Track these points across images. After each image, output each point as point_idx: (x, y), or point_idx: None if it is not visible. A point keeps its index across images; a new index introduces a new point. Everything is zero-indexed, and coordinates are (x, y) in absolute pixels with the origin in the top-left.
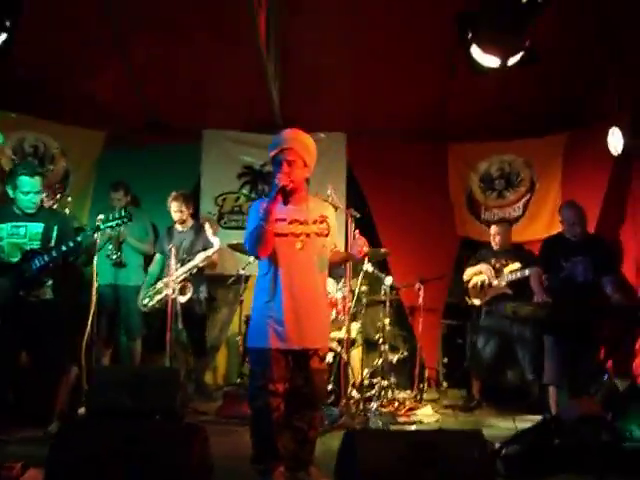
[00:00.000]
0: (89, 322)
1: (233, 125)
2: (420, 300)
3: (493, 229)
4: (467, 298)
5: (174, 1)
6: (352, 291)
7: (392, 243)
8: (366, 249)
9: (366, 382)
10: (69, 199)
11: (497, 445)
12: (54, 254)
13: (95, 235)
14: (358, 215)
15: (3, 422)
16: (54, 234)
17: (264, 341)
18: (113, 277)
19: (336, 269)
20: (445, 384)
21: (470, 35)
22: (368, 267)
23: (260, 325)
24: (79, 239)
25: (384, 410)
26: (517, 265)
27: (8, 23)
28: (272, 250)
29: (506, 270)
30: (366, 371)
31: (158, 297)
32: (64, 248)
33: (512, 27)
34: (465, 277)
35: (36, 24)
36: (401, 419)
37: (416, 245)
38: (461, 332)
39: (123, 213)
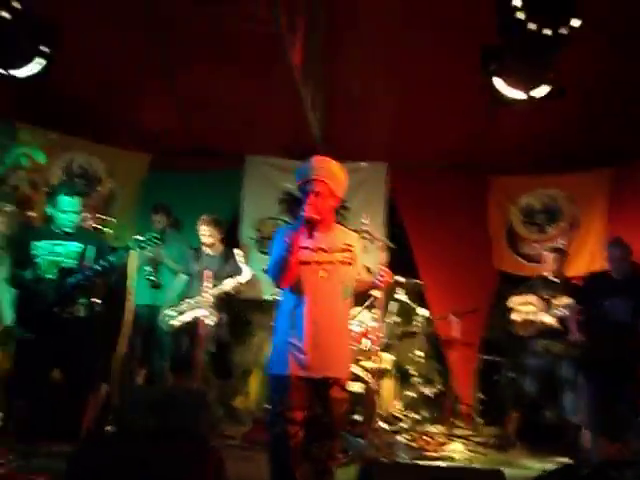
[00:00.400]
0: (123, 341)
1: (275, 152)
2: (454, 333)
3: (549, 257)
4: (511, 329)
5: (220, 33)
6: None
7: (430, 274)
8: (389, 279)
9: (397, 414)
10: (113, 220)
11: None
12: (88, 273)
13: (126, 256)
14: (392, 245)
15: (34, 436)
16: (90, 254)
17: (284, 368)
18: (150, 298)
19: (364, 298)
20: (480, 421)
21: (493, 67)
22: (402, 298)
23: (281, 352)
24: (112, 259)
25: (413, 444)
26: (567, 300)
27: (47, 50)
28: (296, 278)
29: (556, 302)
30: (399, 404)
31: (182, 318)
32: (98, 267)
33: (537, 60)
34: (511, 304)
35: (88, 51)
36: (429, 454)
37: (453, 277)
38: (498, 368)
39: (155, 235)
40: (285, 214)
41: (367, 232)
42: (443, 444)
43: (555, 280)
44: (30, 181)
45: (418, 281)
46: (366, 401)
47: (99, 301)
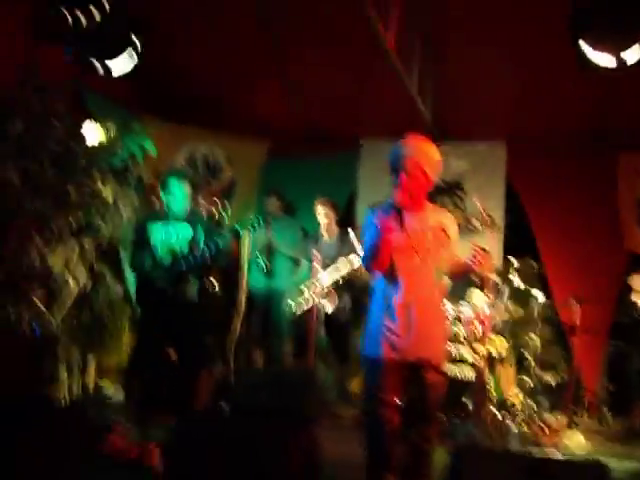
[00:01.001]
0: (238, 324)
1: (390, 135)
2: (576, 319)
3: None
4: (632, 311)
5: (329, 17)
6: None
7: (551, 257)
8: (484, 260)
9: (514, 401)
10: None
11: None
12: (198, 256)
13: (232, 238)
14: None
15: (151, 411)
16: (201, 237)
17: (378, 351)
18: (266, 282)
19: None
20: (607, 412)
21: (581, 31)
22: (515, 281)
23: (375, 334)
24: (219, 242)
25: (528, 433)
26: None
27: (138, 42)
28: (389, 263)
29: None
30: (517, 391)
31: (304, 305)
32: (207, 251)
33: (627, 23)
34: (631, 284)
35: (203, 41)
36: (544, 443)
37: (578, 260)
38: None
39: (260, 217)
40: None
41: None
42: (561, 434)
43: None
44: (154, 170)
45: (533, 263)
46: (477, 386)
47: (215, 283)
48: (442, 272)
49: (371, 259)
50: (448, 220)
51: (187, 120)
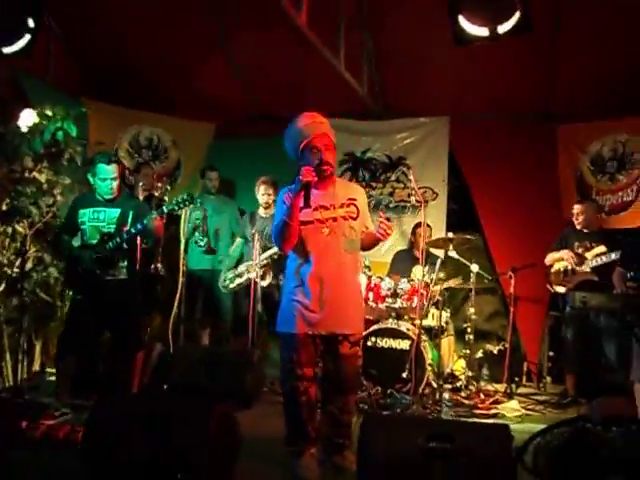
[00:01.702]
0: (175, 303)
1: (333, 113)
2: (511, 289)
3: (576, 208)
4: (549, 286)
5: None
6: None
7: (494, 229)
8: (389, 230)
9: (456, 372)
10: (167, 188)
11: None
12: (125, 236)
13: (156, 218)
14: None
15: (84, 392)
16: (129, 218)
17: (292, 326)
18: (210, 262)
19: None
20: (549, 379)
21: (458, 4)
22: (452, 254)
23: (288, 310)
24: (145, 222)
25: (466, 402)
26: (602, 248)
27: (32, 24)
28: (299, 239)
29: (590, 254)
30: (460, 361)
31: (239, 280)
32: (133, 230)
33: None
34: (547, 262)
35: (149, 28)
36: (479, 412)
37: (520, 231)
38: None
39: (186, 197)
40: (346, 175)
41: (412, 189)
42: (499, 402)
43: (585, 231)
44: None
45: (470, 235)
46: (413, 358)
47: (159, 264)
48: (354, 244)
49: (279, 236)
50: (357, 193)
51: (134, 104)
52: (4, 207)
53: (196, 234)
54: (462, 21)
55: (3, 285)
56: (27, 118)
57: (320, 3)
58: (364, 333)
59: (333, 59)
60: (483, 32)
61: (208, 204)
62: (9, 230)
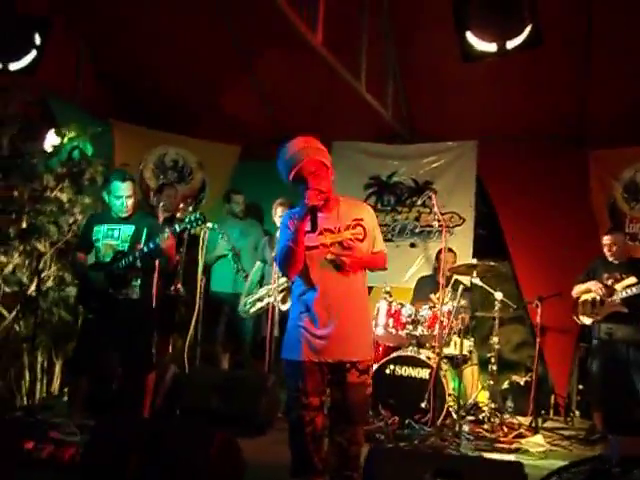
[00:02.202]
0: (192, 325)
1: (360, 137)
2: (538, 319)
3: (607, 239)
4: (575, 317)
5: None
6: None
7: (522, 256)
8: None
9: (480, 403)
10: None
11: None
12: (137, 254)
13: (168, 237)
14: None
15: (100, 413)
16: (143, 236)
17: (297, 353)
18: (232, 286)
19: None
20: (577, 413)
21: (465, 20)
22: (476, 281)
23: (294, 336)
24: (157, 240)
25: (488, 435)
26: (633, 280)
27: (38, 41)
28: (304, 264)
29: (619, 286)
30: (483, 392)
31: (259, 304)
32: (145, 249)
33: (508, 9)
34: (574, 294)
35: (176, 51)
36: (501, 446)
37: (549, 259)
38: None
39: (198, 216)
40: (371, 199)
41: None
42: (522, 436)
43: (615, 262)
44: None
45: (492, 263)
46: (432, 388)
47: (180, 286)
48: (362, 267)
49: (284, 262)
50: (363, 212)
51: (161, 126)
52: (24, 225)
53: (233, 265)
54: (470, 37)
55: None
56: (52, 138)
57: (341, 24)
58: (382, 361)
59: (353, 81)
60: (491, 48)
61: (234, 228)
62: (28, 248)
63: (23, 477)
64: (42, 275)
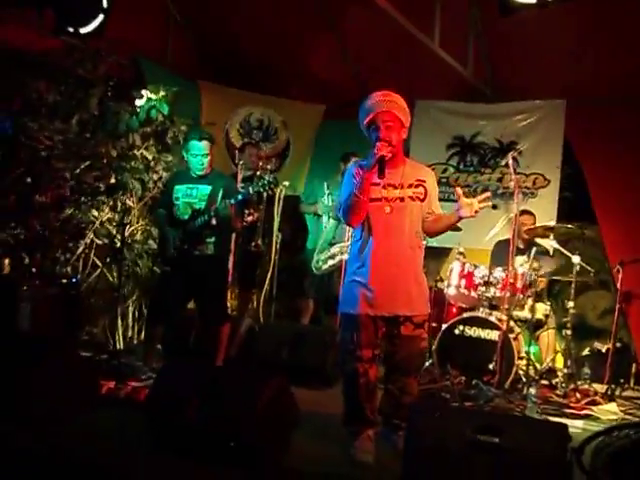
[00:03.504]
0: (267, 281)
1: (443, 96)
2: (618, 284)
3: None
4: None
5: None
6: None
7: (610, 220)
8: (478, 206)
9: (557, 368)
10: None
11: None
12: (212, 213)
13: (230, 205)
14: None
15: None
16: (219, 195)
17: (353, 307)
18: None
19: None
20: None
21: None
22: (553, 244)
23: (350, 290)
24: (232, 200)
25: (558, 400)
26: None
27: (105, 4)
28: (365, 216)
29: None
30: (560, 357)
31: (331, 262)
32: (219, 209)
33: None
34: None
35: (260, 13)
36: (570, 411)
37: (638, 224)
38: None
39: (269, 180)
40: (453, 159)
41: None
42: (596, 403)
43: None
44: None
45: (569, 225)
46: (500, 350)
47: (260, 243)
48: (418, 226)
49: (348, 210)
50: (427, 175)
51: (247, 87)
52: (112, 181)
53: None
54: None
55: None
56: (141, 99)
57: None
58: (452, 321)
59: (425, 38)
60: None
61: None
62: (118, 204)
63: (103, 414)
64: (130, 229)
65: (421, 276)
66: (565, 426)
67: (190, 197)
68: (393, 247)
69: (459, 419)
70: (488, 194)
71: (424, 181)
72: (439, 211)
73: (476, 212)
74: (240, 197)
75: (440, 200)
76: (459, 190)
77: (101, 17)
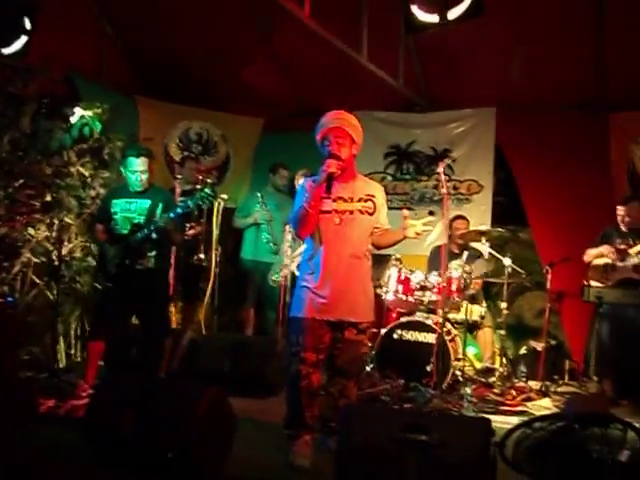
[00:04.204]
0: (208, 292)
1: (379, 107)
2: (548, 284)
3: (620, 210)
4: (585, 281)
5: None
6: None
7: (541, 223)
8: (421, 228)
9: (494, 368)
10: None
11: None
12: (151, 227)
13: (170, 220)
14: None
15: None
16: (159, 210)
17: (301, 310)
18: (253, 253)
19: None
20: (595, 379)
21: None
22: (484, 248)
23: (299, 295)
24: (171, 214)
25: (495, 398)
26: None
27: (28, 25)
28: (315, 227)
29: (632, 251)
30: (496, 357)
31: (283, 272)
32: (157, 222)
33: None
34: (585, 258)
35: (197, 27)
36: (505, 408)
37: (568, 225)
38: None
39: (206, 193)
40: (390, 168)
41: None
42: (531, 400)
43: (625, 230)
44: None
45: (501, 229)
46: (438, 352)
47: (203, 256)
48: (367, 238)
49: (298, 222)
50: (376, 190)
51: (185, 101)
52: (48, 199)
53: (264, 235)
54: (414, 9)
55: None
56: (75, 116)
57: None
58: (390, 326)
59: (353, 52)
60: (434, 19)
61: (272, 200)
62: (55, 221)
63: (41, 431)
64: (69, 246)
65: (368, 285)
66: (488, 421)
67: (129, 211)
68: (341, 256)
69: (389, 419)
70: (431, 218)
71: (374, 196)
72: (387, 226)
73: (418, 234)
74: (179, 210)
75: None
76: (405, 212)
77: (24, 38)
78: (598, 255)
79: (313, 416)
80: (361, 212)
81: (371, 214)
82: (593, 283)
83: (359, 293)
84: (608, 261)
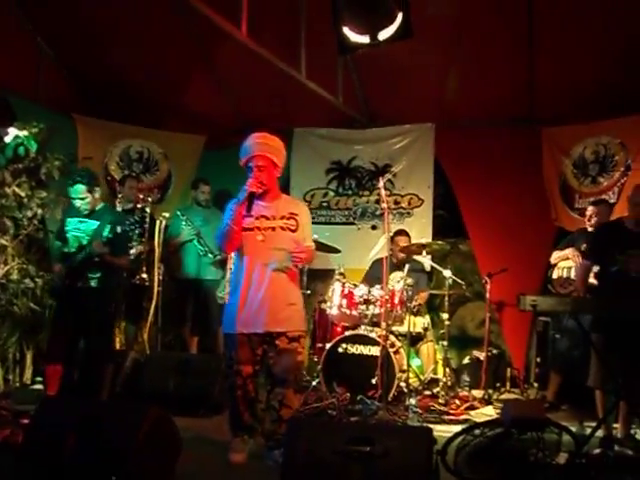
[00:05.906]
0: (151, 312)
1: (320, 124)
2: (487, 295)
3: (590, 209)
4: (550, 287)
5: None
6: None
7: (479, 234)
8: (302, 258)
9: (438, 378)
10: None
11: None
12: (87, 250)
13: (99, 244)
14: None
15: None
16: (105, 232)
17: (230, 326)
18: (197, 271)
19: None
20: (536, 385)
21: (341, 14)
22: (425, 261)
23: (229, 312)
24: (88, 249)
25: (439, 408)
26: None
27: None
28: (240, 244)
29: None
30: (440, 368)
31: (227, 289)
32: (88, 249)
33: (377, 2)
34: (552, 260)
35: (136, 45)
36: (449, 418)
37: (507, 237)
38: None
39: (139, 217)
40: (332, 183)
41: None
42: (474, 408)
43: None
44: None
45: (440, 242)
46: (380, 365)
47: (145, 276)
48: (289, 255)
49: (222, 238)
50: (300, 209)
51: (124, 120)
52: None
53: (198, 249)
54: (345, 30)
55: None
56: (10, 137)
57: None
58: (334, 340)
59: (292, 70)
60: (364, 40)
61: (197, 215)
62: None
63: None
64: (5, 268)
65: (295, 296)
66: (430, 430)
67: (79, 231)
68: (263, 271)
69: (333, 432)
70: None
71: (297, 214)
72: (309, 243)
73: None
74: (106, 233)
75: (322, 223)
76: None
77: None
78: (563, 257)
79: (251, 416)
80: (283, 229)
81: (294, 231)
82: (559, 290)
83: (282, 306)
84: (571, 265)
